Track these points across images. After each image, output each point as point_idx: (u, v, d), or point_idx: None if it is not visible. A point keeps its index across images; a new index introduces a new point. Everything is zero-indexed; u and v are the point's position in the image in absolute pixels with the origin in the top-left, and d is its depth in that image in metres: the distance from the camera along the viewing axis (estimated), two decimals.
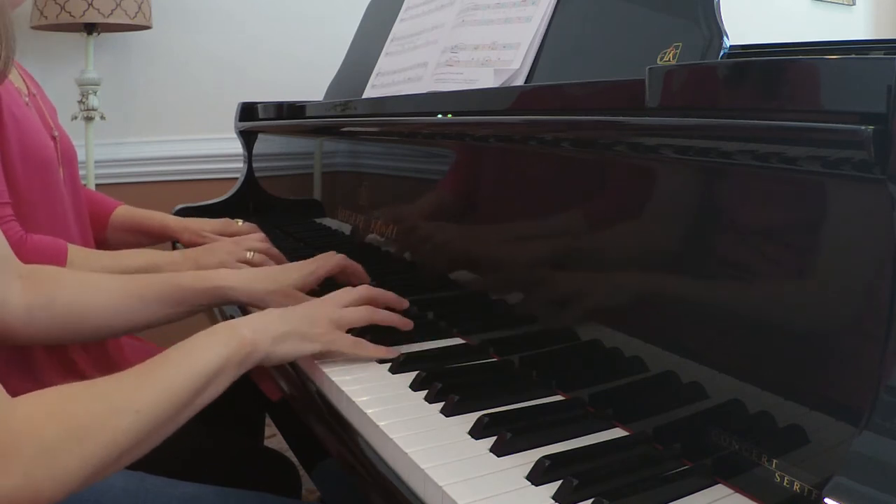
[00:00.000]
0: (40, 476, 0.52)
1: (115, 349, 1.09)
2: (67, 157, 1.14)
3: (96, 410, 0.57)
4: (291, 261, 1.26)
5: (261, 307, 0.88)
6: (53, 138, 1.10)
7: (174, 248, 1.41)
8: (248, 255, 1.10)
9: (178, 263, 1.06)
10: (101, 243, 1.36)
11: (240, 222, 1.36)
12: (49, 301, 0.81)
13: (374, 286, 0.88)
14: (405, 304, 0.85)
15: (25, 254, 0.92)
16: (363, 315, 0.81)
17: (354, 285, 0.95)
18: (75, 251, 0.98)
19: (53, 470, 0.53)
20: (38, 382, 0.95)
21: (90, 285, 0.83)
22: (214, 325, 0.72)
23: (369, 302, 0.83)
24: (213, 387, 0.66)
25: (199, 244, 1.22)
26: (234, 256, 1.09)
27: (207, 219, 1.36)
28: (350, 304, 0.82)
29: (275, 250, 1.15)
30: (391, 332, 0.84)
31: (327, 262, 0.96)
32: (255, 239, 1.19)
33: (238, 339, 0.70)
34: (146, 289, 0.85)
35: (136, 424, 0.58)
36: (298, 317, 0.77)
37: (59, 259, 0.95)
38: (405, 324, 0.84)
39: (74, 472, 0.54)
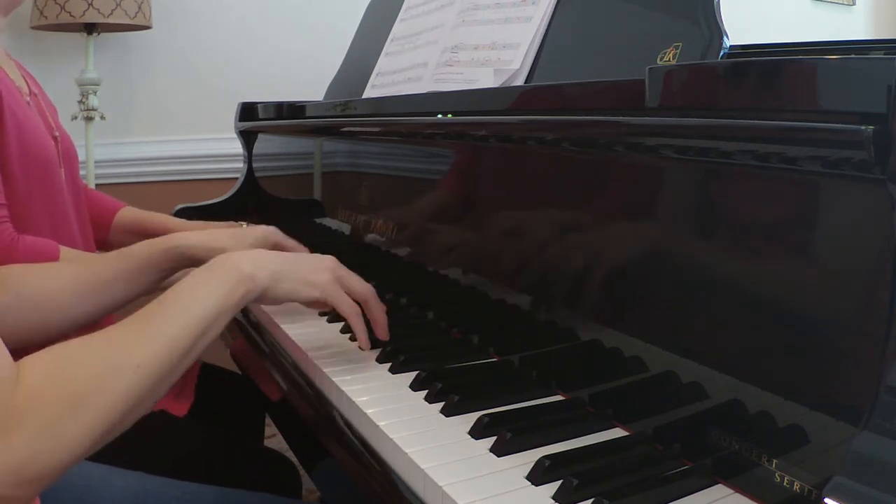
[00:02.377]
0: (45, 448, 0.51)
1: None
2: (68, 157, 1.14)
3: (96, 372, 0.55)
4: None
5: None
6: (54, 138, 1.10)
7: None
8: None
9: None
10: (104, 245, 1.35)
11: (244, 225, 1.36)
12: (15, 297, 0.78)
13: (374, 287, 0.87)
14: (386, 337, 0.82)
15: (17, 255, 0.92)
16: (365, 289, 0.78)
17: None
18: (67, 253, 0.97)
19: (57, 441, 0.52)
20: None
21: (51, 274, 0.80)
22: (212, 260, 0.70)
23: (373, 297, 0.81)
24: (213, 328, 0.64)
25: None
26: None
27: (211, 223, 1.36)
28: (360, 279, 0.80)
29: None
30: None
31: (289, 240, 0.96)
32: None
33: (237, 274, 0.67)
34: (103, 266, 0.82)
35: (138, 382, 0.56)
36: (302, 260, 0.75)
37: (52, 260, 0.95)
38: (384, 334, 0.81)
39: (79, 440, 0.53)
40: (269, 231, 0.95)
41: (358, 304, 0.80)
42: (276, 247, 0.96)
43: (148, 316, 0.62)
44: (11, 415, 0.50)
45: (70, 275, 0.80)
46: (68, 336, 0.90)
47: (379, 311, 0.81)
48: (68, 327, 0.83)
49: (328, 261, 0.78)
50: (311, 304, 0.82)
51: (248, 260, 0.70)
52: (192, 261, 0.89)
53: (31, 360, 0.54)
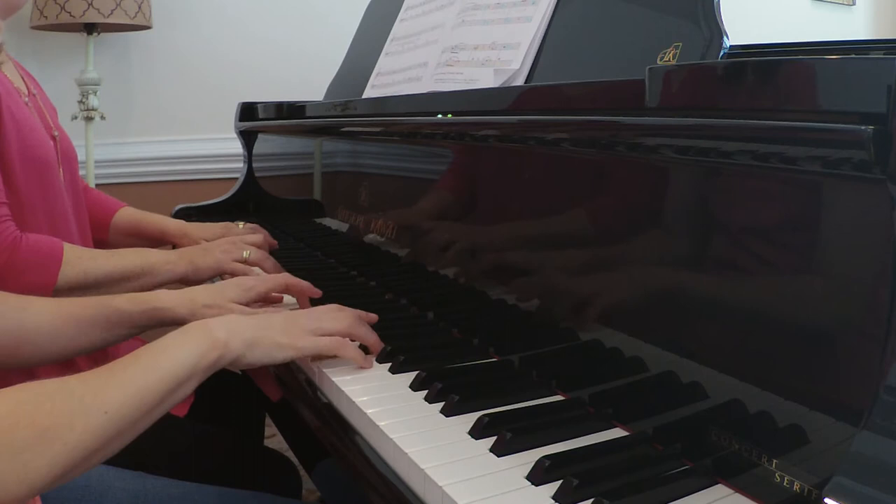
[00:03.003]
0: (7, 478, 0.52)
1: (114, 348, 1.09)
2: (67, 157, 1.14)
3: (65, 410, 0.56)
4: (289, 261, 1.26)
5: None
6: (53, 138, 1.10)
7: (174, 248, 1.41)
8: (245, 254, 1.09)
9: (173, 263, 1.05)
10: (102, 244, 1.35)
11: (241, 225, 1.35)
12: None
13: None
14: (380, 346, 0.82)
15: (21, 254, 0.92)
16: (344, 323, 0.79)
17: (302, 305, 0.94)
18: (71, 250, 0.97)
19: (21, 472, 0.53)
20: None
21: (27, 309, 0.80)
22: (188, 325, 0.71)
23: (353, 325, 0.80)
24: (184, 388, 0.66)
25: None
26: (229, 255, 1.08)
27: (208, 223, 1.36)
28: (335, 317, 0.80)
29: (269, 256, 1.14)
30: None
31: (269, 280, 0.95)
32: (251, 238, 1.19)
33: (210, 340, 0.69)
34: (82, 312, 0.82)
35: (105, 425, 0.58)
36: (274, 323, 0.76)
37: (55, 257, 0.95)
38: (378, 347, 0.81)
39: (42, 473, 0.54)
40: (249, 286, 0.92)
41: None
42: (259, 298, 0.93)
43: (122, 366, 0.63)
44: None
45: (48, 314, 0.81)
46: (36, 370, 0.91)
47: (368, 335, 0.81)
48: (39, 361, 0.84)
49: (300, 318, 0.79)
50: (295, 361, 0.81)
51: (221, 327, 0.71)
52: (171, 322, 0.88)
53: (4, 394, 0.56)
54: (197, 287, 0.91)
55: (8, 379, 0.94)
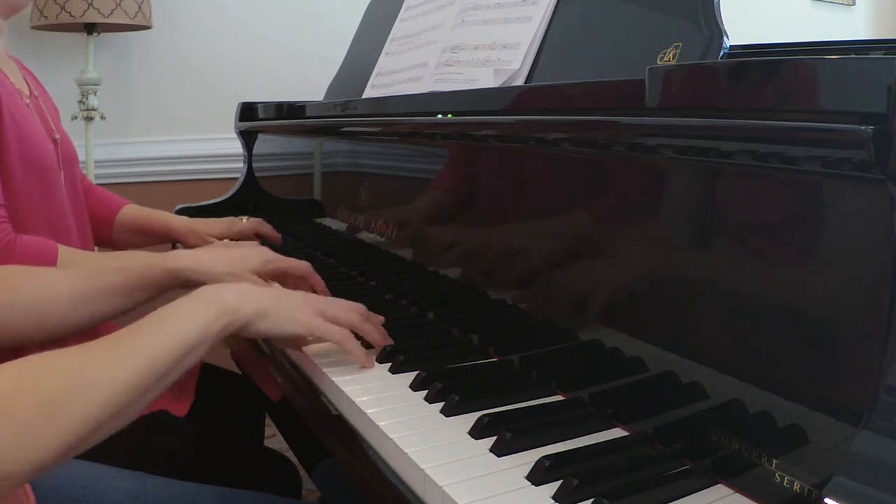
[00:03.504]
0: (12, 453, 0.50)
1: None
2: (68, 159, 1.14)
3: (70, 384, 0.55)
4: None
5: None
6: (55, 141, 1.10)
7: (174, 248, 1.41)
8: (244, 220, 1.09)
9: None
10: (107, 242, 1.36)
11: (245, 219, 1.36)
12: (9, 301, 0.79)
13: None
14: (383, 344, 0.82)
15: (15, 255, 0.92)
16: (351, 317, 0.79)
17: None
18: (65, 252, 0.97)
19: (26, 448, 0.51)
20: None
21: (47, 281, 0.81)
22: (199, 289, 0.70)
23: (362, 321, 0.80)
24: (193, 355, 0.65)
25: None
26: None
27: (213, 219, 1.36)
28: (346, 308, 0.80)
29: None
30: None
31: (292, 261, 0.95)
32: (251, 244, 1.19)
33: (221, 306, 0.68)
34: (100, 279, 0.83)
35: (112, 398, 0.56)
36: (288, 297, 0.76)
37: (49, 261, 0.95)
38: (385, 341, 0.81)
39: (47, 448, 0.52)
40: (270, 258, 0.94)
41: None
42: (278, 274, 0.95)
43: (129, 335, 0.62)
44: None
45: (67, 283, 0.81)
46: (65, 339, 0.91)
47: (372, 333, 0.80)
48: (64, 332, 0.83)
49: (313, 299, 0.79)
50: (297, 339, 0.81)
51: (234, 293, 0.70)
52: (189, 282, 0.89)
53: (9, 366, 0.54)
54: (218, 250, 0.91)
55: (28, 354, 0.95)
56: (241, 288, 0.73)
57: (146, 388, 0.60)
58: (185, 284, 0.89)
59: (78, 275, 0.83)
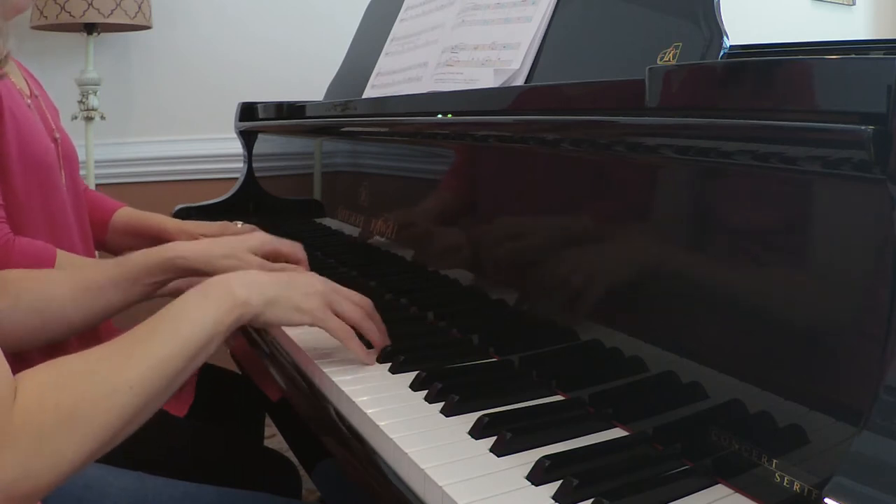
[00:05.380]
0: (38, 466, 0.51)
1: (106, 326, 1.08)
2: (69, 159, 1.14)
3: (90, 391, 0.56)
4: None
5: (217, 273, 0.83)
6: (55, 141, 1.10)
7: None
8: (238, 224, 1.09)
9: None
10: (101, 245, 1.35)
11: (239, 224, 1.35)
12: (13, 303, 0.79)
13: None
14: (383, 344, 0.81)
15: (13, 257, 0.92)
16: (356, 313, 0.79)
17: None
18: (64, 257, 0.97)
19: (50, 458, 0.52)
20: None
21: (49, 281, 0.81)
22: (207, 282, 0.70)
23: (365, 318, 0.80)
24: (206, 350, 0.65)
25: None
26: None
27: (206, 222, 1.36)
28: (351, 301, 0.80)
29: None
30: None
31: (286, 242, 0.95)
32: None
33: (231, 298, 0.68)
34: (99, 273, 0.83)
35: (131, 401, 0.57)
36: (294, 284, 0.75)
37: (48, 263, 0.94)
38: (384, 342, 0.81)
39: (71, 458, 0.53)
40: (266, 239, 0.94)
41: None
42: (273, 253, 0.95)
43: (142, 336, 0.62)
44: (7, 432, 0.51)
45: (67, 282, 0.81)
46: (66, 341, 0.91)
47: (372, 332, 0.80)
48: (65, 332, 0.83)
49: (319, 284, 0.78)
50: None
51: (242, 284, 0.70)
52: (188, 272, 0.89)
53: (28, 378, 0.55)
54: (216, 238, 0.91)
55: (31, 358, 0.95)
56: (249, 278, 0.73)
57: (163, 387, 0.60)
58: (183, 273, 0.89)
59: (77, 271, 0.83)
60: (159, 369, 0.60)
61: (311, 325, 0.76)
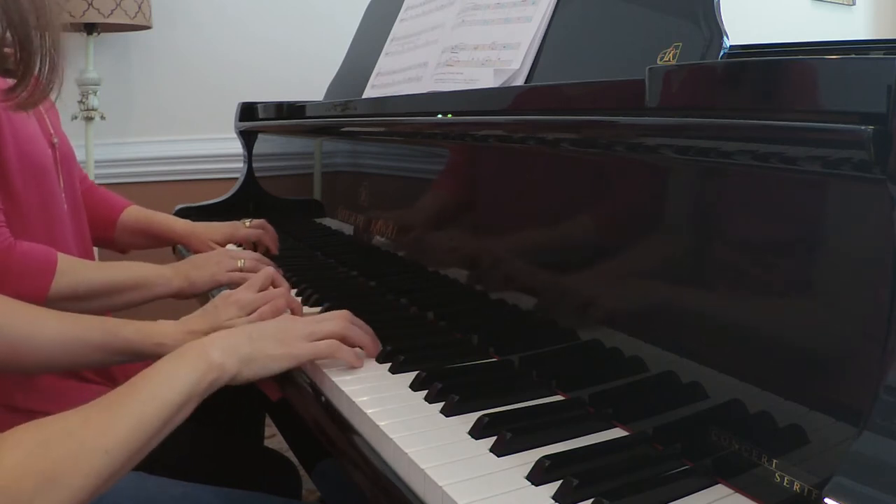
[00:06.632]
0: None
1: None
2: (67, 163, 1.13)
3: (69, 455, 0.58)
4: (289, 261, 1.26)
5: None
6: (52, 145, 1.10)
7: (174, 250, 1.41)
8: (239, 262, 1.08)
9: (168, 278, 1.04)
10: (108, 243, 1.36)
11: (247, 222, 1.35)
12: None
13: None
14: (376, 347, 0.81)
15: (14, 260, 0.91)
16: (337, 326, 0.79)
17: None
18: (65, 260, 0.96)
19: None
20: (34, 383, 0.95)
21: (40, 321, 0.81)
22: (182, 346, 0.72)
23: (347, 327, 0.80)
24: (182, 412, 0.67)
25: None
26: (224, 267, 1.07)
27: (216, 223, 1.35)
28: (328, 319, 0.80)
29: (265, 259, 1.13)
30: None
31: (268, 296, 0.92)
32: (250, 233, 1.18)
33: (206, 363, 0.69)
34: (90, 333, 0.83)
35: (108, 463, 0.59)
36: (268, 335, 0.76)
37: (49, 268, 0.94)
38: (375, 347, 0.81)
39: None
40: (242, 302, 0.89)
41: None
42: (249, 307, 0.90)
43: (119, 399, 0.64)
44: None
45: (55, 330, 0.81)
46: (38, 377, 0.90)
47: (359, 337, 0.80)
48: (39, 372, 0.83)
49: (293, 323, 0.79)
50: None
51: (217, 347, 0.71)
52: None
53: (11, 440, 0.57)
54: (193, 316, 0.89)
55: (5, 380, 0.94)
56: (223, 339, 0.73)
57: (138, 449, 0.62)
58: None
59: (66, 324, 0.82)
60: (136, 431, 0.62)
61: (294, 366, 0.76)
